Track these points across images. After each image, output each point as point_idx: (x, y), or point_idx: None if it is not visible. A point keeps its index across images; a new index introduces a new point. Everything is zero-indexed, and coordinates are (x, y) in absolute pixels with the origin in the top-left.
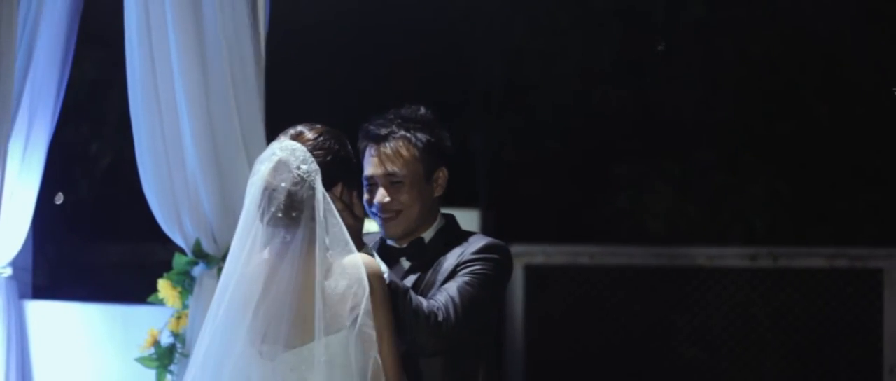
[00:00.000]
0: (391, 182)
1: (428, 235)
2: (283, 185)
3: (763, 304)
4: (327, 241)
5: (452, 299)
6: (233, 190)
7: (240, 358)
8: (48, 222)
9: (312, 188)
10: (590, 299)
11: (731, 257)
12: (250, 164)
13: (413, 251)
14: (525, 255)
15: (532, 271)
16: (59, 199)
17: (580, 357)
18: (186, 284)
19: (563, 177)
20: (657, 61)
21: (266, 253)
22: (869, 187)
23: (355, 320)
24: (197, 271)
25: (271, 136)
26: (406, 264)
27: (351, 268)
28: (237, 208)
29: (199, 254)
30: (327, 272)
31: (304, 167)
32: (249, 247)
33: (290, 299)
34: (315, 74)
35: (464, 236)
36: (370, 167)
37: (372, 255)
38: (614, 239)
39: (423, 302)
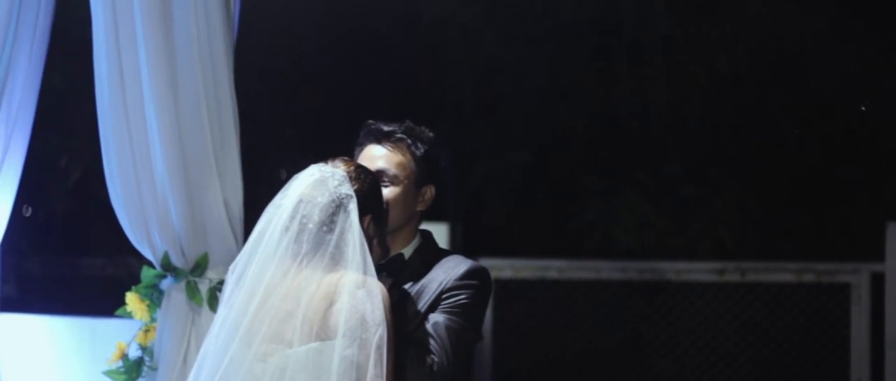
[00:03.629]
0: (382, 181)
1: (407, 251)
2: (320, 200)
3: (731, 318)
4: (355, 261)
5: (444, 343)
6: (201, 203)
7: (233, 360)
8: (16, 234)
9: (347, 211)
10: (558, 314)
11: (700, 271)
12: (221, 178)
13: (393, 268)
14: (493, 269)
15: (500, 286)
16: (28, 211)
17: (549, 373)
18: (155, 297)
19: (532, 191)
20: (626, 75)
21: (289, 256)
22: (836, 202)
23: (359, 335)
24: (165, 284)
25: (244, 150)
26: (387, 281)
27: (362, 284)
28: (206, 222)
29: (168, 267)
30: (344, 286)
31: (341, 190)
32: (274, 250)
33: (295, 306)
34: (284, 89)
35: (443, 256)
36: (365, 161)
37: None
38: (583, 253)
39: (416, 347)
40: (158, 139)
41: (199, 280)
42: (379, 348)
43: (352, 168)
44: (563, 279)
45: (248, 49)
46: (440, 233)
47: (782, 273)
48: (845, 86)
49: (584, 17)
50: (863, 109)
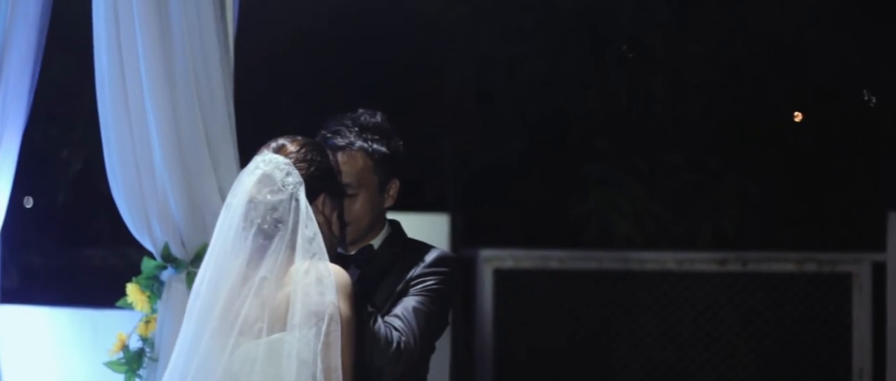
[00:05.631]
0: (345, 193)
1: (376, 242)
2: (269, 197)
3: (732, 308)
4: (305, 249)
5: (410, 324)
6: (200, 195)
7: (207, 352)
8: (17, 225)
9: (296, 200)
10: (559, 304)
11: (701, 261)
12: (217, 169)
13: (362, 259)
14: (494, 259)
15: (501, 276)
16: (29, 203)
17: (550, 362)
18: (155, 288)
19: (532, 181)
20: (624, 64)
21: (245, 256)
22: (837, 192)
23: (314, 324)
24: (165, 275)
25: (240, 141)
26: (355, 272)
27: (314, 272)
28: (205, 213)
29: (168, 258)
30: (299, 275)
31: (288, 179)
32: (229, 253)
33: (260, 299)
34: (283, 82)
35: (412, 246)
36: None
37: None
38: (584, 243)
39: (383, 327)
40: (156, 130)
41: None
42: (331, 333)
43: (298, 150)
44: (564, 269)
45: (247, 40)
46: (440, 224)
47: (784, 263)
48: (845, 74)
49: (583, 5)
50: (866, 98)
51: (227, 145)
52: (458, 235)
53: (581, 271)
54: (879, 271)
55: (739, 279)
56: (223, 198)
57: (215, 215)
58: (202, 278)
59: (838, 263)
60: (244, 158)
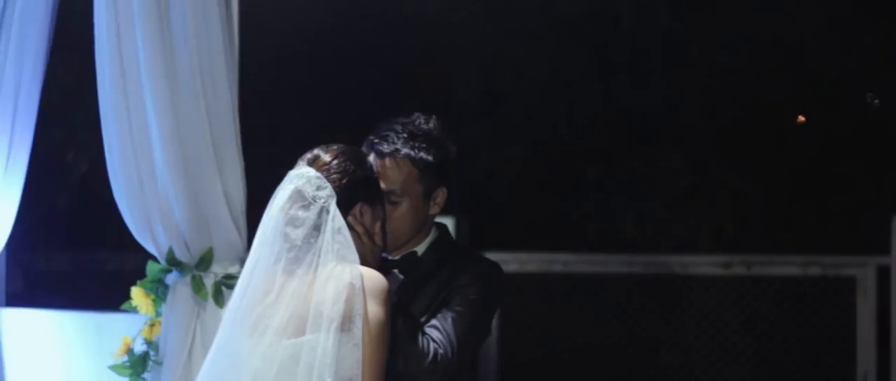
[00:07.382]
0: (388, 200)
1: (421, 248)
2: (300, 213)
3: (736, 311)
4: (338, 258)
5: (449, 335)
6: (204, 198)
7: (242, 354)
8: (22, 228)
9: (327, 212)
10: (563, 307)
11: (705, 265)
12: (222, 172)
13: (406, 265)
14: (498, 263)
15: (506, 279)
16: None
17: (554, 366)
18: (159, 291)
19: (537, 184)
20: (626, 68)
21: (281, 266)
22: (842, 196)
23: (341, 327)
24: (170, 278)
25: (246, 144)
26: (398, 277)
27: (344, 275)
28: (209, 217)
29: (173, 262)
30: (325, 280)
31: (319, 194)
32: (266, 264)
33: (293, 306)
34: (288, 84)
35: (457, 252)
36: None
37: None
38: (587, 246)
39: (421, 336)
40: (158, 134)
41: (204, 275)
42: (356, 338)
43: (332, 161)
44: (568, 273)
45: (252, 42)
46: (446, 226)
47: (788, 266)
48: (848, 76)
49: (584, 10)
50: (871, 100)
51: (232, 147)
52: (463, 238)
53: (586, 274)
54: (884, 275)
55: (744, 283)
56: (228, 202)
57: (220, 219)
58: (240, 286)
59: (843, 266)
60: (248, 162)
